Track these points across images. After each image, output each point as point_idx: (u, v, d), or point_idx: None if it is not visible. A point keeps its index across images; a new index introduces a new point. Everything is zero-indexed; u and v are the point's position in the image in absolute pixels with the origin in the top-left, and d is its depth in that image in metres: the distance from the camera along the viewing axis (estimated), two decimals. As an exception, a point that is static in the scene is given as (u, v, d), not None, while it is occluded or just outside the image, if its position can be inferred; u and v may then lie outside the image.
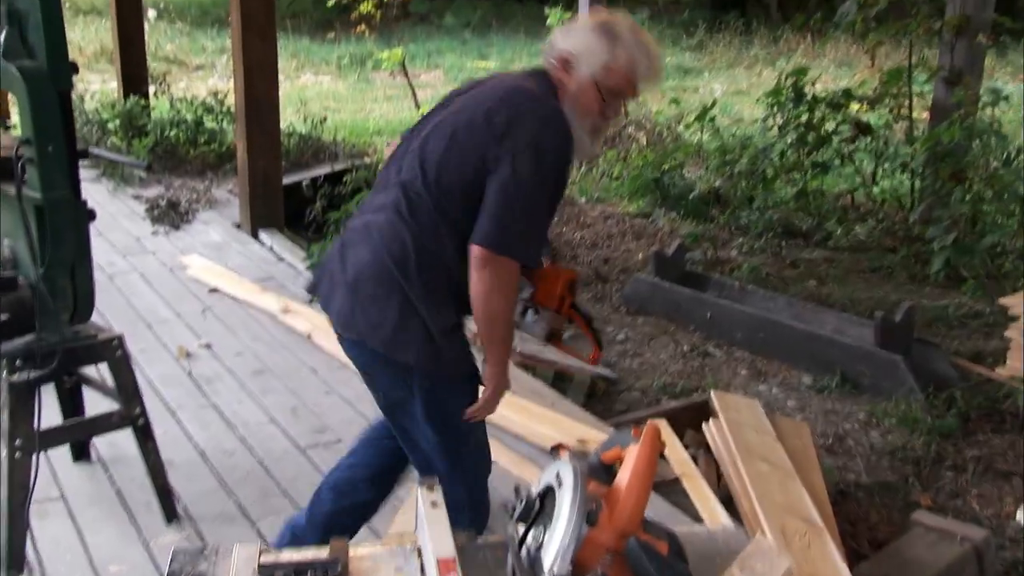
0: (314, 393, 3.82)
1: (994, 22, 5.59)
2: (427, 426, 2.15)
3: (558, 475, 1.22)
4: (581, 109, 2.04)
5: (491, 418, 2.23)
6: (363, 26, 7.69)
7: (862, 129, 6.20)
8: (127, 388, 2.74)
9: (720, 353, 4.57)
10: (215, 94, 8.20)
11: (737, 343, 4.63)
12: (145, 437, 2.79)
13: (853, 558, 2.82)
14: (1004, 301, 4.11)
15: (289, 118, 8.54)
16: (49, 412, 2.65)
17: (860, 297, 5.12)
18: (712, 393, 3.49)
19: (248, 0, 5.59)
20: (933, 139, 5.47)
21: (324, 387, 3.87)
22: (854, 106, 6.30)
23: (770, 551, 1.26)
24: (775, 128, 6.54)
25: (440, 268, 2.04)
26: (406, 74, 7.76)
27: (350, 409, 3.68)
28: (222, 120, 7.99)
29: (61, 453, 3.13)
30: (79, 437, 3.09)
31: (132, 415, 2.74)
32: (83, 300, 2.57)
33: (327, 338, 4.30)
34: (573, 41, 2.05)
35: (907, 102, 6.16)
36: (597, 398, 4.06)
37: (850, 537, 3.04)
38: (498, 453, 2.91)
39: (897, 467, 3.48)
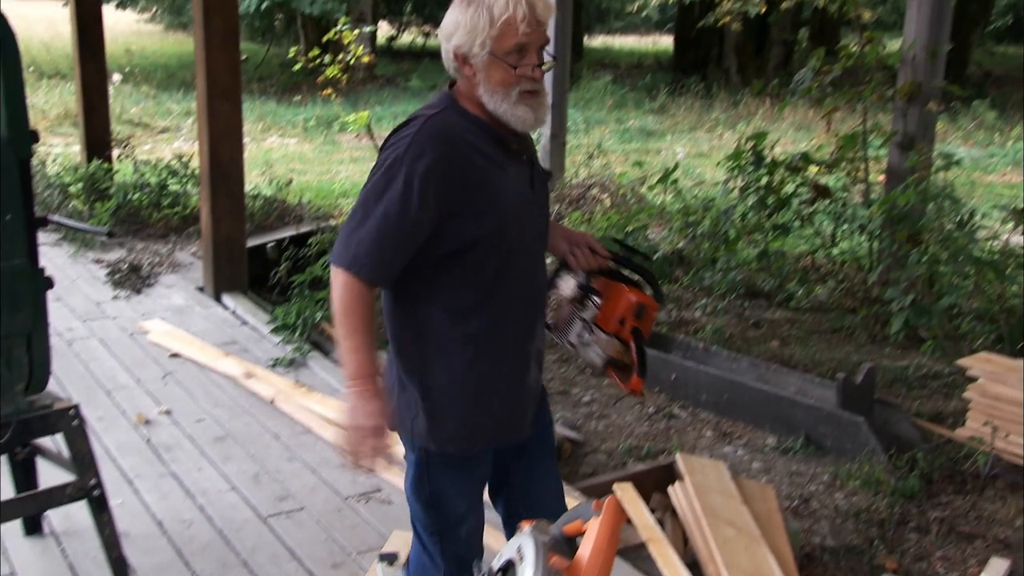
0: (276, 459, 3.77)
1: (944, 90, 5.75)
2: (413, 499, 2.12)
3: (519, 549, 1.21)
4: (496, 84, 1.92)
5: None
6: (330, 89, 7.72)
7: (821, 192, 6.31)
8: (83, 458, 2.68)
9: (685, 415, 4.58)
10: (180, 157, 8.19)
11: (702, 404, 4.64)
12: (100, 509, 2.73)
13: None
14: (962, 362, 4.17)
15: (255, 180, 8.55)
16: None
17: (822, 358, 5.17)
18: (678, 456, 3.50)
19: (214, 64, 5.63)
20: (889, 202, 5.59)
21: (287, 453, 3.83)
22: (812, 169, 6.42)
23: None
24: (736, 190, 6.65)
25: (411, 328, 2.03)
26: (371, 137, 7.80)
27: (313, 476, 3.63)
28: (186, 183, 7.98)
29: (12, 527, 3.05)
30: (32, 512, 3.01)
31: (87, 486, 2.69)
32: (39, 370, 2.53)
33: (290, 403, 4.26)
34: (447, 33, 1.95)
35: (863, 166, 6.30)
36: (563, 460, 4.04)
37: (817, 602, 3.03)
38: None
39: (862, 530, 3.48)
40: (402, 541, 2.95)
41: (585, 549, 1.24)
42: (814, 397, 4.37)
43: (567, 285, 2.24)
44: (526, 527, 1.26)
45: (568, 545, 1.27)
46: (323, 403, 4.24)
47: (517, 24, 1.87)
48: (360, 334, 1.93)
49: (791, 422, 4.25)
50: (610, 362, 2.18)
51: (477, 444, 2.09)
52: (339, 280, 1.91)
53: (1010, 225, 5.69)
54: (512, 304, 2.05)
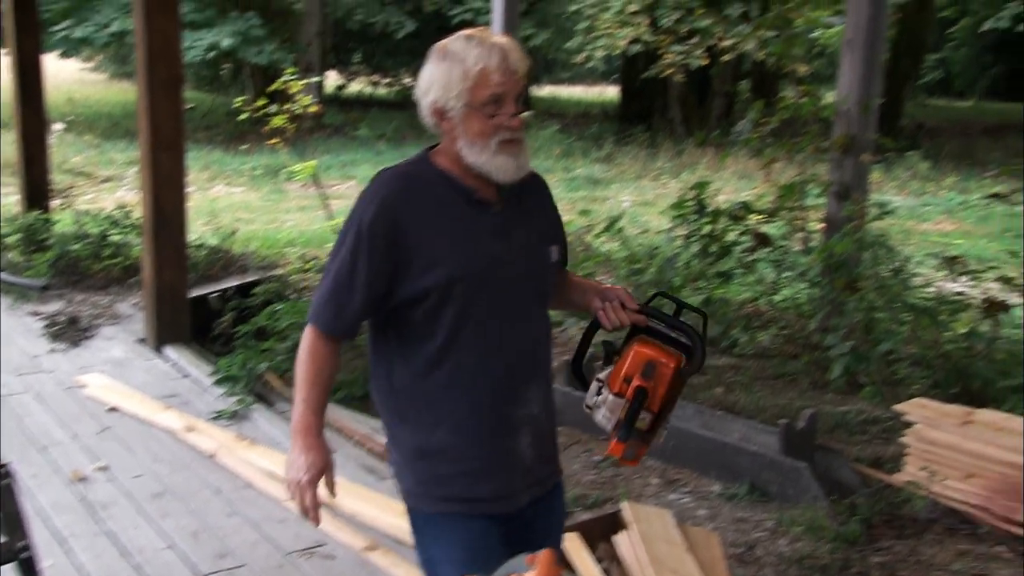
0: (217, 515, 3.69)
1: (877, 142, 5.93)
2: (419, 559, 2.09)
3: (454, 606, 1.21)
4: (475, 136, 1.93)
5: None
6: (276, 139, 7.71)
7: (762, 240, 6.44)
8: (12, 519, 2.60)
9: (631, 463, 4.58)
10: (122, 207, 8.10)
11: (649, 452, 4.65)
12: (29, 571, 2.64)
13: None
14: (899, 408, 4.25)
15: (199, 229, 8.47)
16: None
17: (766, 404, 5.23)
18: (624, 504, 3.50)
19: (157, 113, 5.59)
20: (827, 250, 5.72)
21: (228, 508, 3.75)
22: (753, 218, 6.56)
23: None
24: (680, 238, 6.75)
25: (382, 381, 2.06)
26: (318, 185, 7.80)
27: (255, 531, 3.56)
28: (128, 233, 7.88)
29: (-62, 590, 2.94)
30: (-43, 574, 2.91)
31: (15, 548, 2.60)
32: (-32, 427, 2.46)
33: (232, 456, 4.19)
34: (424, 90, 1.96)
35: (802, 215, 6.45)
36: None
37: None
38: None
39: (805, 576, 3.51)
40: (344, 597, 2.90)
41: (519, 605, 1.24)
42: (758, 443, 4.41)
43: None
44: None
45: (503, 600, 1.27)
46: (266, 456, 4.17)
47: (491, 75, 1.89)
48: (308, 386, 1.97)
49: (736, 469, 4.29)
50: (618, 425, 1.99)
51: (453, 507, 2.01)
52: (304, 333, 2.00)
53: (944, 272, 5.86)
54: (485, 364, 1.99)
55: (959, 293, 5.58)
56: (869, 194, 6.11)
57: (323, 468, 1.95)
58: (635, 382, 1.95)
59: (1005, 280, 5.52)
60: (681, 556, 3.23)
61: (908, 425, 4.12)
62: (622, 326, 2.07)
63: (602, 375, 2.03)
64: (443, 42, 1.96)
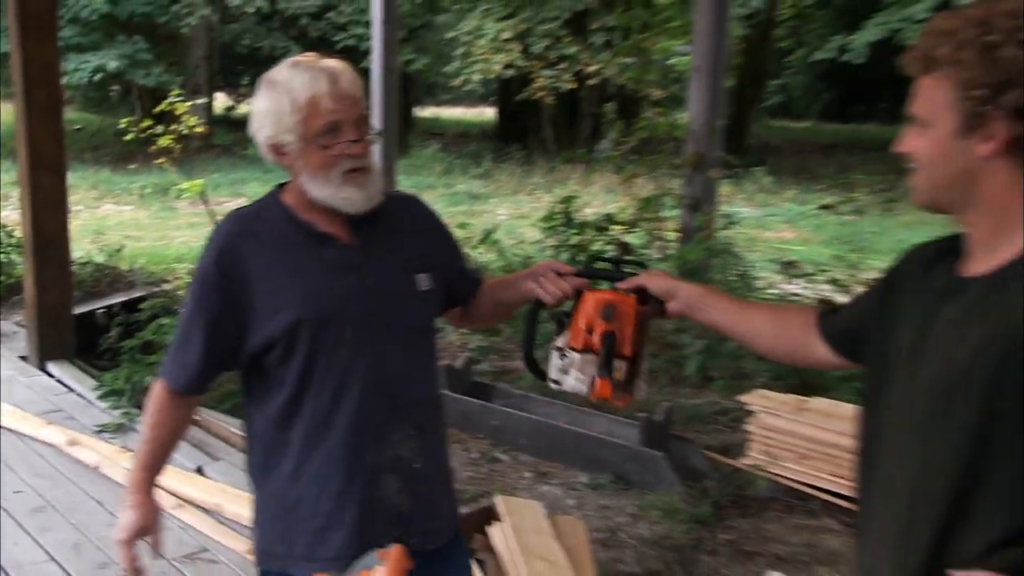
0: (99, 526, 3.52)
1: (723, 159, 6.15)
2: None
3: (309, 603, 1.19)
4: (315, 169, 1.69)
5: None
6: (163, 158, 7.46)
7: (624, 249, 6.59)
8: None
9: (507, 458, 4.61)
10: (3, 227, 7.67)
11: (522, 448, 4.69)
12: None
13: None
14: (742, 398, 4.41)
15: (86, 247, 8.10)
16: None
17: (628, 399, 5.34)
18: (497, 498, 3.51)
19: (36, 136, 5.31)
20: (682, 258, 5.90)
21: (111, 519, 3.57)
22: (617, 228, 6.71)
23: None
24: (550, 248, 6.84)
25: (248, 433, 1.87)
26: (207, 203, 7.57)
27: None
28: (10, 252, 7.47)
29: None
30: None
31: None
32: None
33: (115, 468, 4.01)
34: (257, 126, 1.72)
35: (660, 225, 6.63)
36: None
37: (623, 626, 3.08)
38: None
39: (662, 555, 3.59)
40: (226, 600, 2.81)
41: (371, 598, 1.23)
42: (620, 436, 4.50)
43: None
44: (317, 581, 1.24)
45: (358, 594, 1.26)
46: (150, 467, 4.00)
47: (322, 102, 1.65)
48: (144, 441, 1.81)
49: (600, 460, 4.36)
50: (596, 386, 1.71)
51: (293, 566, 1.77)
52: (153, 397, 1.82)
53: (783, 276, 6.12)
54: (338, 408, 1.73)
55: (795, 294, 5.83)
56: (718, 206, 6.34)
57: (146, 527, 1.80)
58: (598, 328, 1.68)
59: (834, 282, 5.81)
60: (549, 544, 3.26)
61: (751, 414, 4.28)
62: (565, 296, 1.79)
63: (559, 342, 1.75)
64: (270, 72, 1.73)
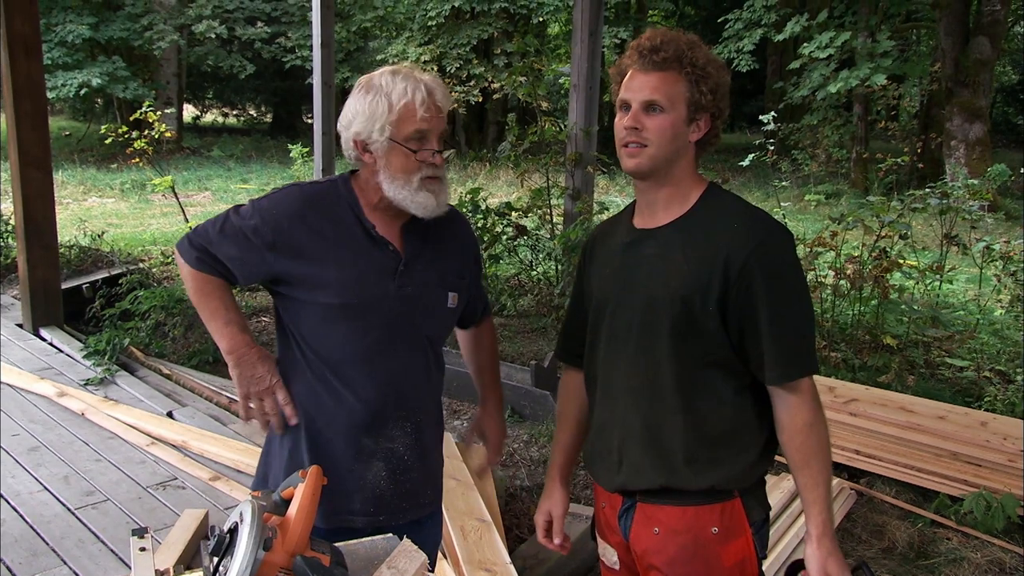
0: (85, 461, 3.40)
1: (598, 158, 6.22)
2: None
3: (240, 514, 1.18)
4: (397, 171, 1.50)
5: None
6: (139, 159, 7.15)
7: (521, 231, 6.62)
8: None
9: (427, 398, 4.61)
10: (1, 217, 7.21)
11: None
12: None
13: (516, 542, 2.92)
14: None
15: (72, 233, 7.70)
16: None
17: (524, 350, 5.40)
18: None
19: (25, 141, 5.04)
20: (565, 237, 5.96)
21: (95, 456, 3.46)
22: (515, 214, 6.72)
23: (412, 550, 1.28)
24: (462, 231, 6.81)
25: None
26: (176, 196, 7.25)
27: (118, 472, 3.31)
28: (8, 237, 7.03)
29: None
30: None
31: None
32: None
33: (99, 415, 3.86)
34: (347, 122, 1.53)
35: (549, 211, 6.67)
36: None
37: (515, 528, 3.14)
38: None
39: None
40: (191, 518, 2.75)
41: (292, 508, 1.22)
42: (516, 379, 4.55)
43: None
44: (249, 496, 1.22)
45: (285, 506, 1.25)
46: (128, 413, 3.87)
47: (416, 110, 1.48)
48: (224, 309, 1.55)
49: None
50: None
51: None
52: (183, 272, 1.57)
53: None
54: (343, 389, 1.54)
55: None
56: (594, 196, 6.40)
57: (271, 373, 1.55)
58: None
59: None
60: (457, 466, 3.29)
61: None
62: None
63: None
64: (368, 75, 1.54)
